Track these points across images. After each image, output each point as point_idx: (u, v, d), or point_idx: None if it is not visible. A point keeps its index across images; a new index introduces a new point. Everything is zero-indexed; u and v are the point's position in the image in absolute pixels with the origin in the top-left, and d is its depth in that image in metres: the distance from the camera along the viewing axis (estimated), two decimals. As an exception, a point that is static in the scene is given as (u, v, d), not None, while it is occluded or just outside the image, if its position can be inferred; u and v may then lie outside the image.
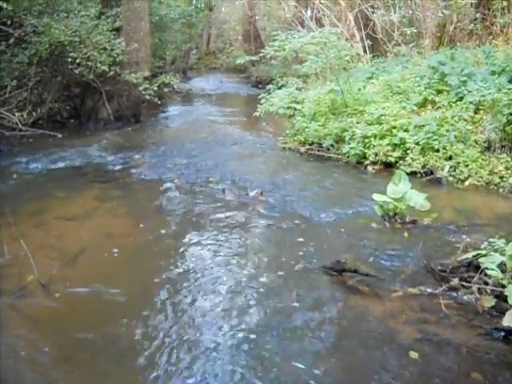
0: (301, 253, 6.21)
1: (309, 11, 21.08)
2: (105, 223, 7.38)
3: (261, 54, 12.86)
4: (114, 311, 4.98)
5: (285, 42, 11.76)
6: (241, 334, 4.55)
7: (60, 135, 13.46)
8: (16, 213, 7.44)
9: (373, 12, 17.92)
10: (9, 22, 13.93)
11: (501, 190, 8.66)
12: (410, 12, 18.12)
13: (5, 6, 13.18)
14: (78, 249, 6.32)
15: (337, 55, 12.14)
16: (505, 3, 14.92)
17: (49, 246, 6.49)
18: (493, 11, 15.50)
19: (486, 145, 9.45)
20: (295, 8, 20.68)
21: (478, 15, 15.73)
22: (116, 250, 6.27)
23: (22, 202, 8.15)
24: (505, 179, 8.77)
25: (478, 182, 8.95)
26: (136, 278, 5.67)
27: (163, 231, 6.99)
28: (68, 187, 9.07)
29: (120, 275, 5.75)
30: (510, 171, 8.86)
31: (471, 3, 15.69)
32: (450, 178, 9.13)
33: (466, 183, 8.98)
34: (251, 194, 8.40)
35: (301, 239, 6.66)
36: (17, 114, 13.19)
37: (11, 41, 13.89)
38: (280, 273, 5.71)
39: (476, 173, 9.04)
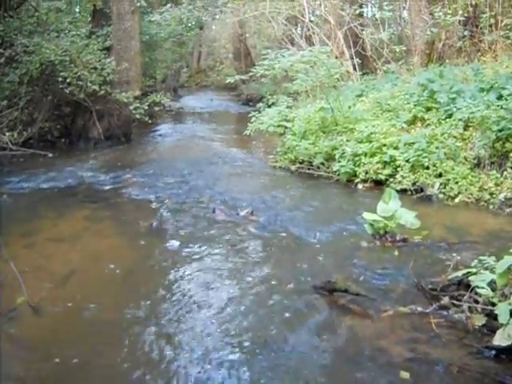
0: (291, 272, 6.20)
1: (299, 29, 21.17)
2: (95, 244, 7.35)
3: (250, 74, 12.90)
4: (104, 334, 4.95)
5: (274, 61, 11.82)
6: (229, 354, 4.53)
7: (51, 154, 13.47)
8: (6, 233, 7.40)
9: (362, 30, 18.05)
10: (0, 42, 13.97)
11: (491, 207, 8.68)
12: (399, 29, 18.25)
13: (-5, 26, 13.27)
14: (68, 270, 6.30)
15: (327, 73, 12.18)
16: (492, 21, 15.06)
17: (39, 268, 6.45)
18: (481, 28, 15.66)
19: (475, 161, 9.48)
20: (285, 26, 20.75)
21: (466, 33, 15.89)
22: (106, 272, 6.25)
23: (13, 222, 8.10)
24: (494, 196, 8.78)
25: (468, 198, 8.97)
26: (126, 299, 5.63)
27: (153, 252, 6.98)
28: (58, 207, 9.04)
29: (110, 297, 5.72)
30: (499, 187, 8.87)
31: (459, 21, 15.80)
32: (441, 195, 9.15)
33: (457, 200, 9.00)
34: (242, 213, 8.39)
35: (291, 258, 6.67)
36: (7, 133, 13.18)
37: (2, 60, 13.93)
38: (270, 292, 5.69)
39: (466, 189, 9.06)
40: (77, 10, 20.39)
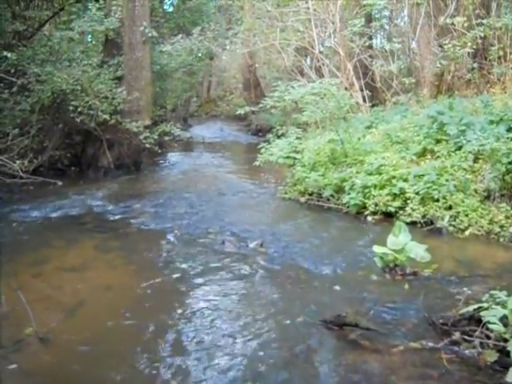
0: (301, 306, 6.15)
1: (308, 60, 21.29)
2: (104, 275, 7.35)
3: (260, 105, 12.97)
4: (112, 366, 4.91)
5: (285, 93, 11.88)
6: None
7: (60, 183, 13.55)
8: (15, 262, 7.44)
9: (372, 61, 18.13)
10: (12, 71, 14.11)
11: (501, 240, 8.61)
12: (409, 61, 18.33)
13: (9, 55, 13.38)
14: (76, 301, 6.30)
15: (336, 105, 12.22)
16: (501, 53, 15.12)
17: (48, 298, 6.46)
18: (489, 61, 15.69)
19: (485, 194, 9.45)
20: (295, 57, 20.87)
21: (475, 64, 15.91)
22: (115, 304, 6.24)
23: (22, 251, 8.13)
24: (505, 228, 8.73)
25: (479, 231, 8.91)
26: (134, 332, 5.59)
27: (162, 283, 6.95)
28: (68, 236, 9.07)
29: (118, 330, 5.68)
30: (510, 220, 8.82)
31: (468, 53, 15.86)
32: (451, 228, 9.09)
33: (467, 233, 8.94)
34: (251, 245, 8.37)
35: (301, 291, 6.63)
36: (18, 161, 13.22)
37: (14, 89, 14.03)
38: (280, 326, 5.66)
39: (476, 222, 9.01)
40: (89, 39, 20.57)
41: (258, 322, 5.79)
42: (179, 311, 6.09)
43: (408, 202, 9.76)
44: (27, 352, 5.16)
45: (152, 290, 6.74)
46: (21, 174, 13.21)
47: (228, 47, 32.05)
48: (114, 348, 5.20)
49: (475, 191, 9.52)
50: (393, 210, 9.86)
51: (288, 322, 5.76)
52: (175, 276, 7.19)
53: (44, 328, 5.45)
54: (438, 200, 9.50)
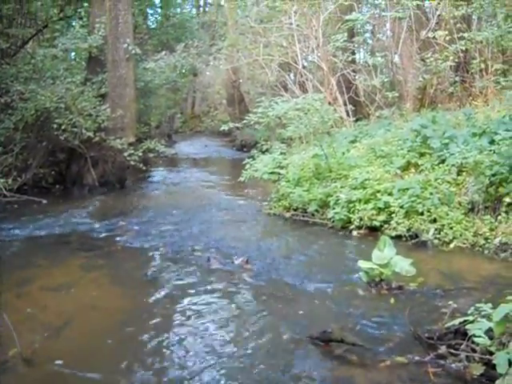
0: (287, 322, 6.14)
1: (292, 75, 21.37)
2: (89, 294, 7.28)
3: (244, 121, 13.01)
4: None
5: (268, 109, 11.92)
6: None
7: (45, 201, 13.47)
8: (-1, 282, 7.37)
9: (355, 76, 18.24)
10: (-5, 89, 14.09)
11: (486, 252, 8.64)
12: (392, 75, 18.45)
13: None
14: (62, 321, 6.24)
15: (320, 120, 12.27)
16: (482, 66, 15.27)
17: (32, 318, 6.39)
18: (471, 74, 15.85)
19: (469, 206, 9.49)
20: (278, 72, 20.95)
21: (457, 78, 16.07)
22: (100, 324, 6.20)
23: (6, 270, 8.04)
24: (489, 241, 8.76)
25: (463, 243, 8.94)
26: (120, 353, 5.54)
27: (148, 302, 6.91)
28: (52, 255, 9.02)
29: (104, 350, 5.63)
30: (494, 232, 8.85)
31: (450, 66, 16.01)
32: (435, 241, 9.12)
33: (452, 245, 8.98)
34: (236, 261, 8.35)
35: (287, 308, 6.62)
36: (1, 179, 13.18)
37: (-3, 107, 14.01)
38: (266, 343, 5.64)
39: (461, 235, 9.04)
40: (72, 57, 20.58)
41: (244, 339, 5.77)
42: (164, 331, 6.02)
43: (393, 215, 9.79)
44: (11, 374, 5.10)
45: (138, 309, 6.71)
46: (5, 192, 13.17)
47: (212, 63, 32.16)
48: (99, 369, 5.14)
49: (459, 204, 9.57)
50: (378, 224, 9.89)
51: (274, 338, 5.74)
52: (161, 295, 7.15)
53: (28, 349, 5.40)
54: (422, 213, 9.53)
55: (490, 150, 9.91)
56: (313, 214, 11.15)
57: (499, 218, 8.96)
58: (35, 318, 6.39)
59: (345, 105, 17.34)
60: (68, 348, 5.59)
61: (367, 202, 10.24)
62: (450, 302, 6.30)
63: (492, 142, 10.26)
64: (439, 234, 9.20)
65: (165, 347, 5.63)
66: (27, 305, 6.86)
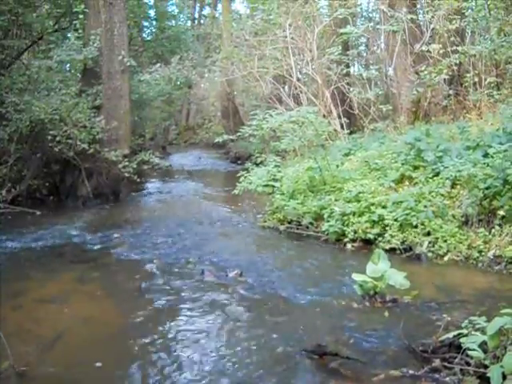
0: (281, 335, 6.12)
1: (286, 88, 21.43)
2: (83, 306, 7.27)
3: (239, 134, 13.04)
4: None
5: (263, 122, 11.94)
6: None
7: (39, 213, 13.45)
8: (-8, 294, 7.34)
9: (349, 89, 18.31)
10: (-10, 100, 14.09)
11: (480, 265, 8.64)
12: (386, 88, 18.52)
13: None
14: (55, 334, 6.21)
15: (314, 132, 12.29)
16: (476, 79, 15.34)
17: (26, 331, 6.37)
18: (465, 87, 15.93)
19: (463, 219, 9.49)
20: (273, 85, 21.02)
21: (451, 91, 16.14)
22: (94, 336, 6.17)
23: (-1, 282, 8.04)
24: (483, 253, 8.76)
25: (457, 256, 8.95)
26: (114, 365, 5.53)
27: (142, 315, 6.87)
28: (47, 267, 8.99)
29: (97, 363, 5.59)
30: (488, 245, 8.85)
31: (444, 79, 16.09)
32: (430, 254, 9.12)
33: (446, 258, 8.98)
34: (230, 274, 8.35)
35: (281, 321, 6.61)
36: (-4, 191, 13.18)
37: (-9, 118, 14.01)
38: (260, 357, 5.62)
39: (455, 248, 9.05)
40: (67, 68, 20.58)
41: (237, 352, 5.75)
42: (158, 344, 6.01)
43: (387, 228, 9.79)
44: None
45: (131, 322, 6.68)
46: (-2, 203, 13.15)
47: (206, 75, 32.30)
48: (93, 382, 5.13)
49: (453, 217, 9.57)
50: (372, 237, 9.89)
51: (268, 351, 5.73)
52: (155, 307, 7.13)
53: (21, 362, 5.36)
54: (416, 226, 9.54)
55: (484, 163, 9.93)
56: (307, 227, 11.15)
57: (493, 230, 8.96)
58: (28, 331, 6.37)
59: (339, 117, 17.38)
60: (61, 361, 5.56)
61: (361, 214, 10.24)
62: (444, 315, 6.34)
63: (486, 155, 10.29)
64: (433, 246, 9.20)
65: (158, 360, 5.60)
66: (20, 317, 6.85)
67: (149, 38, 27.86)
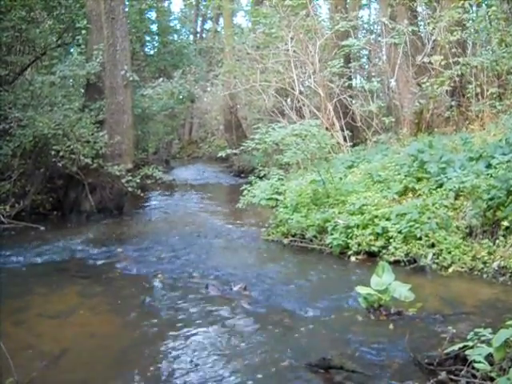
0: (286, 349, 6.10)
1: (289, 101, 21.45)
2: (87, 321, 7.25)
3: (242, 147, 13.06)
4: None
5: (266, 135, 11.95)
6: None
7: (43, 228, 13.44)
8: (-4, 310, 7.33)
9: (351, 101, 18.34)
10: (-7, 116, 14.13)
11: (484, 276, 8.63)
12: (388, 100, 18.55)
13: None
14: (59, 349, 6.19)
15: (317, 146, 12.29)
16: (478, 90, 15.35)
17: (29, 346, 6.34)
18: (467, 98, 15.92)
19: (467, 231, 9.49)
20: (275, 98, 21.05)
21: (453, 102, 16.13)
22: (98, 351, 6.15)
23: (3, 297, 7.99)
24: (488, 264, 8.75)
25: (462, 268, 8.93)
26: (118, 381, 5.52)
27: (146, 330, 6.86)
28: (50, 282, 8.97)
29: (102, 379, 5.59)
30: (492, 256, 8.85)
31: (446, 91, 16.09)
32: (434, 266, 9.10)
33: (450, 270, 8.96)
34: (235, 288, 8.34)
35: (285, 335, 6.59)
36: (-1, 206, 13.19)
37: (-5, 133, 14.05)
38: (265, 371, 5.59)
39: (459, 259, 9.03)
40: (70, 83, 20.64)
41: (243, 367, 5.73)
42: (163, 359, 6.00)
43: (391, 240, 9.77)
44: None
45: (136, 337, 6.67)
46: (2, 219, 13.17)
47: (209, 89, 32.35)
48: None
49: (457, 228, 9.57)
50: (376, 249, 9.87)
51: (273, 365, 5.70)
52: (159, 322, 7.11)
53: (25, 378, 5.33)
54: (420, 238, 9.52)
55: (487, 174, 9.94)
56: (311, 240, 11.11)
57: (497, 241, 8.96)
58: (32, 346, 6.35)
59: (342, 130, 17.37)
60: (65, 377, 5.55)
61: (365, 227, 10.23)
62: (450, 327, 6.31)
63: (489, 166, 10.29)
64: (437, 258, 9.19)
65: (163, 375, 5.59)
66: (24, 332, 6.83)
67: (151, 53, 28.02)
